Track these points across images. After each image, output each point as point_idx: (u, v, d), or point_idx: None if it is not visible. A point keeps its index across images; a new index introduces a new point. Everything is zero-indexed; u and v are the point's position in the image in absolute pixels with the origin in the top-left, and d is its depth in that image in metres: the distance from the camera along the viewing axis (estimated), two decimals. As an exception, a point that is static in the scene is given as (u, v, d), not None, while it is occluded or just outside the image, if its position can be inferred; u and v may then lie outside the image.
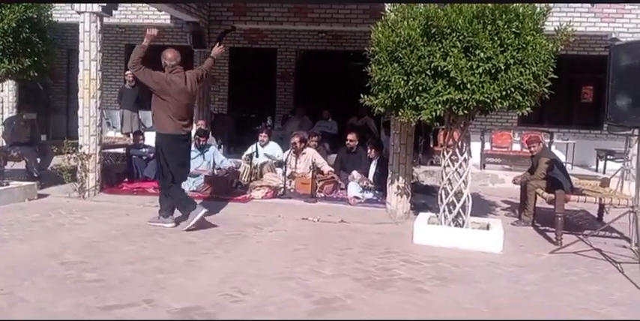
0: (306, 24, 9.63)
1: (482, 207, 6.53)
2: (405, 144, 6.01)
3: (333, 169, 7.45)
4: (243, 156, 8.00)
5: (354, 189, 6.66)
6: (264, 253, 4.53)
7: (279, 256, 4.46)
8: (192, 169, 7.24)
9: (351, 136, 7.61)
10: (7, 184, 6.27)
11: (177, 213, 5.38)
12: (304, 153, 7.41)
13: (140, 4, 9.77)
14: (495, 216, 6.23)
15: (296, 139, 7.38)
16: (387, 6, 5.66)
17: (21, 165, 7.49)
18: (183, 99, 5.35)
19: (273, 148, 8.12)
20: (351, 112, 10.71)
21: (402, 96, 4.74)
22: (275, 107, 12.22)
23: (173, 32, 12.05)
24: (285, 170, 7.07)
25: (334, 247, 4.76)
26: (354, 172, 6.91)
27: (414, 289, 3.75)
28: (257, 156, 7.90)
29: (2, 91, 9.85)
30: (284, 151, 8.08)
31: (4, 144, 7.58)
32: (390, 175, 6.04)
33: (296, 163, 7.38)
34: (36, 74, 6.39)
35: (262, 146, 8.07)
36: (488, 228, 5.07)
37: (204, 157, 7.42)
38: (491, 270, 4.29)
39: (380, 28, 4.97)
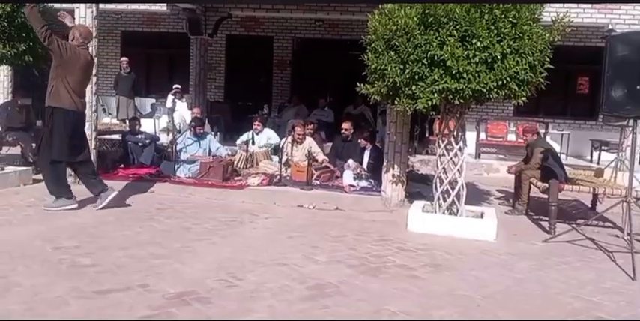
0: (303, 12, 9.58)
1: (476, 196, 6.57)
2: (401, 133, 6.02)
3: (328, 158, 7.46)
4: (238, 142, 8.00)
5: (348, 177, 6.68)
6: (259, 240, 4.55)
7: (274, 242, 4.48)
8: (188, 156, 7.28)
9: (346, 125, 7.61)
10: (3, 169, 6.26)
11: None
12: (301, 141, 7.41)
13: (137, -10, 9.67)
14: (489, 205, 6.27)
15: (298, 129, 7.38)
16: (385, -6, 5.62)
17: (16, 150, 7.47)
18: (87, 76, 5.34)
19: (269, 136, 8.12)
20: (348, 100, 10.70)
21: (398, 84, 4.74)
22: (271, 95, 12.19)
23: (170, 19, 12.00)
24: (281, 158, 7.07)
25: (329, 234, 4.80)
26: (350, 161, 6.92)
27: (407, 275, 3.78)
28: (252, 143, 7.90)
29: (-4, 76, 9.78)
30: (280, 139, 8.09)
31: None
32: (385, 164, 6.05)
33: (292, 150, 7.38)
34: (31, 59, 6.33)
35: (257, 134, 8.07)
36: (482, 216, 5.11)
37: (200, 145, 7.41)
38: (485, 258, 4.33)
39: (377, 17, 4.95)
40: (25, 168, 6.54)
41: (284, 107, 11.27)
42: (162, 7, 10.22)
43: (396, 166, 5.98)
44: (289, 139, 7.44)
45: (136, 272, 3.56)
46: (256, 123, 8.03)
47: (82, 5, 6.61)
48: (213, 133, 8.80)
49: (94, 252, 3.94)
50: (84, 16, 6.66)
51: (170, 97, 10.53)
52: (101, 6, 6.83)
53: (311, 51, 11.97)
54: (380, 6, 5.14)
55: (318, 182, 6.91)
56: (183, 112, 10.43)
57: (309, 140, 7.48)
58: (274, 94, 12.23)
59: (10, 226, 4.56)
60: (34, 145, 7.24)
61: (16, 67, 8.38)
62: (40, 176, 6.61)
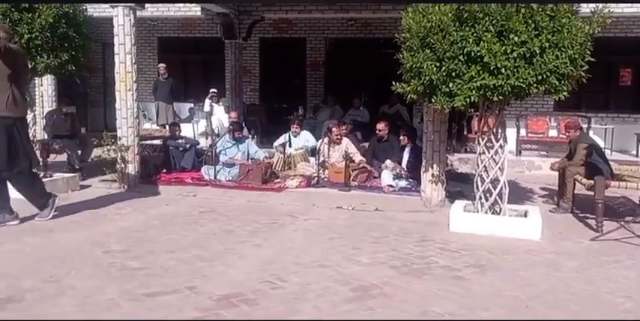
0: (335, 12, 9.57)
1: (519, 194, 6.44)
2: (439, 131, 5.96)
3: (364, 159, 7.45)
4: (275, 145, 8.07)
5: (387, 177, 6.65)
6: (300, 242, 4.59)
7: (315, 244, 4.51)
8: (227, 159, 7.39)
9: (380, 126, 7.56)
10: (51, 176, 6.50)
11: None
12: (339, 142, 7.42)
13: (172, -3, 9.87)
14: (533, 203, 6.14)
15: (335, 130, 7.40)
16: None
17: (62, 157, 7.72)
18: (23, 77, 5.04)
19: (306, 138, 8.17)
20: (383, 99, 10.65)
21: (434, 82, 4.70)
22: (306, 96, 12.23)
23: (204, 24, 12.19)
24: (319, 159, 7.10)
25: (369, 236, 4.79)
26: (388, 161, 6.89)
27: (451, 276, 3.75)
28: (290, 145, 7.96)
29: (42, 85, 10.16)
30: (317, 141, 8.12)
31: (46, 137, 7.82)
32: (424, 163, 6.01)
33: (329, 152, 7.40)
34: (73, 68, 6.52)
35: (295, 136, 8.12)
36: (525, 215, 5.01)
37: (238, 148, 7.51)
38: (530, 258, 4.25)
39: (410, 14, 4.91)
40: (71, 174, 6.77)
41: (319, 108, 11.30)
42: (196, 13, 10.38)
43: (435, 165, 5.92)
44: (326, 140, 7.45)
45: (183, 275, 3.64)
46: (294, 126, 8.08)
47: (120, 13, 6.79)
48: (250, 135, 8.90)
49: (142, 255, 4.05)
50: (122, 23, 6.84)
51: (207, 101, 10.70)
52: (137, 13, 6.98)
53: (344, 51, 11.95)
54: (413, 3, 5.11)
55: (355, 183, 6.91)
56: (220, 115, 10.59)
57: (345, 141, 7.49)
58: (309, 95, 12.27)
59: (60, 231, 4.72)
60: (79, 151, 7.51)
61: (59, 76, 8.67)
62: (86, 182, 6.89)
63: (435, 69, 4.61)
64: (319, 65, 12.19)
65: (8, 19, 5.59)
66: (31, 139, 6.24)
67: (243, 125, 8.90)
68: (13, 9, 5.60)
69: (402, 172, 6.73)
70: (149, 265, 3.83)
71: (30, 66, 5.96)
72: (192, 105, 12.04)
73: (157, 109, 11.25)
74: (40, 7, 5.80)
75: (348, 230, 4.98)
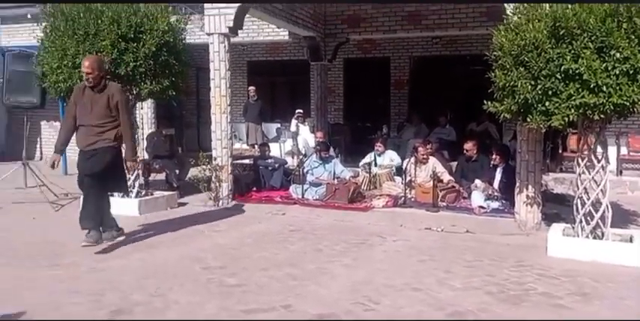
0: (421, 31, 9.58)
1: (622, 217, 6.03)
2: (534, 151, 5.74)
3: (453, 178, 7.31)
4: (361, 164, 8.13)
5: (478, 198, 6.47)
6: (390, 263, 4.57)
7: (405, 266, 4.47)
8: (313, 179, 7.53)
9: (467, 146, 7.39)
10: (152, 194, 6.92)
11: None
12: (425, 161, 7.35)
13: (261, 23, 10.29)
14: (638, 227, 5.73)
15: (421, 150, 7.34)
16: (509, 9, 5.48)
17: (161, 176, 8.22)
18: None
19: (391, 157, 8.16)
20: (470, 117, 10.44)
21: (529, 101, 4.55)
22: (390, 115, 12.24)
23: (290, 47, 12.60)
24: (405, 179, 7.06)
25: (462, 259, 4.68)
26: (477, 181, 6.71)
27: (552, 304, 3.57)
28: (375, 165, 7.98)
29: (142, 108, 10.91)
30: (402, 159, 8.09)
31: (147, 157, 8.36)
32: (517, 184, 5.80)
33: (415, 171, 7.34)
34: (173, 93, 6.93)
35: (379, 155, 8.14)
36: (631, 240, 4.69)
37: (325, 167, 7.64)
38: (637, 286, 3.96)
39: (502, 32, 4.82)
40: (170, 192, 7.18)
41: (403, 127, 11.26)
42: (284, 37, 10.76)
43: (529, 186, 5.70)
44: (412, 159, 7.40)
45: (277, 293, 3.74)
46: (378, 144, 8.11)
47: (216, 40, 7.21)
48: (334, 154, 9.03)
49: (238, 272, 4.21)
50: (217, 50, 7.25)
51: (294, 121, 11.02)
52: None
53: (429, 69, 11.88)
54: (505, 20, 5.02)
55: (444, 203, 6.79)
56: (306, 135, 10.84)
57: (433, 160, 7.40)
58: (392, 114, 12.28)
59: (163, 247, 5.01)
60: (177, 171, 7.96)
61: (158, 100, 9.26)
62: (183, 200, 7.27)
63: (529, 87, 4.48)
64: (403, 84, 12.19)
65: (116, 49, 6.06)
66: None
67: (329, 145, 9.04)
68: (120, 39, 6.07)
69: (494, 192, 6.52)
70: (245, 282, 3.97)
71: (135, 92, 6.45)
72: (279, 125, 12.42)
73: (246, 130, 11.72)
74: (144, 37, 6.24)
75: (438, 253, 4.89)
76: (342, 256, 4.76)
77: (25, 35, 12.90)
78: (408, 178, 7.16)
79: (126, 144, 4.94)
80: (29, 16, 12.49)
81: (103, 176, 4.77)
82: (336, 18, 10.07)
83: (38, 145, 12.74)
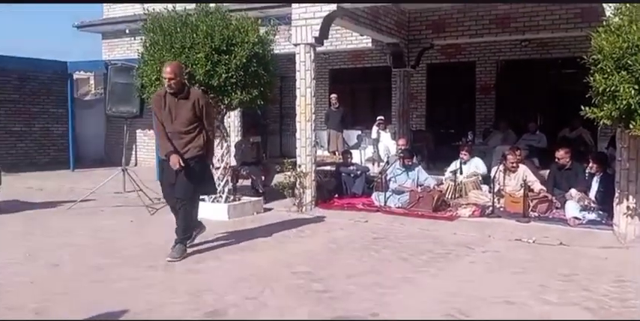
0: (509, 34, 9.27)
1: None
2: (635, 159, 5.38)
3: (544, 188, 6.99)
4: (447, 173, 7.97)
5: (572, 208, 6.14)
6: (480, 275, 4.45)
7: (496, 278, 4.34)
8: (396, 186, 7.48)
9: (559, 154, 7.02)
10: (239, 199, 7.18)
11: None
12: (515, 170, 7.09)
13: (344, 31, 10.41)
14: None
15: (510, 157, 7.09)
16: (609, 10, 5.20)
17: (247, 182, 8.50)
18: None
19: (477, 165, 7.94)
20: (562, 123, 9.96)
21: (633, 107, 4.31)
22: (475, 121, 11.92)
23: (372, 54, 12.62)
24: (494, 187, 6.84)
25: (556, 272, 4.47)
26: (572, 190, 6.37)
27: (660, 324, 3.34)
28: (460, 173, 7.80)
29: (229, 117, 11.35)
30: (488, 167, 7.85)
31: (235, 164, 8.67)
32: (616, 194, 5.46)
33: (504, 179, 7.09)
34: (261, 102, 7.14)
35: (464, 163, 7.95)
36: None
37: (408, 175, 7.56)
38: None
39: (602, 34, 4.58)
40: (257, 198, 7.40)
41: (489, 133, 10.92)
42: (367, 44, 10.80)
43: (630, 197, 5.34)
44: (501, 167, 7.16)
45: (364, 300, 3.75)
46: (463, 152, 7.93)
47: (302, 50, 7.38)
48: (417, 161, 8.92)
49: (325, 278, 4.26)
50: (303, 60, 7.43)
51: (375, 128, 11.02)
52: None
53: (517, 73, 11.47)
54: (604, 22, 4.78)
55: (535, 214, 6.50)
56: (387, 142, 10.81)
57: (523, 168, 7.11)
58: (478, 120, 11.95)
59: (253, 250, 5.18)
60: (263, 177, 8.20)
61: (245, 109, 9.58)
62: (268, 205, 7.46)
63: (633, 92, 4.24)
64: (490, 88, 11.84)
65: (209, 61, 6.34)
66: (225, 165, 7.00)
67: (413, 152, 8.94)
68: (213, 52, 6.36)
69: (591, 203, 6.16)
70: (332, 289, 4.01)
71: (226, 102, 6.72)
72: (360, 132, 12.45)
73: (328, 137, 11.87)
74: (236, 50, 6.50)
75: (531, 265, 4.70)
76: (429, 266, 4.69)
77: (124, 49, 13.87)
78: (497, 187, 6.93)
79: (209, 148, 4.95)
80: (127, 31, 13.42)
81: (193, 189, 4.83)
82: (420, 24, 9.98)
83: (134, 152, 13.58)
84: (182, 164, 4.68)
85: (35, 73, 13.09)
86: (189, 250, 4.95)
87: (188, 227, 4.95)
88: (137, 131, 13.39)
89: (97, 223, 6.44)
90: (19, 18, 33.45)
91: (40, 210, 7.23)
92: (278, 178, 8.16)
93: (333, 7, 7.13)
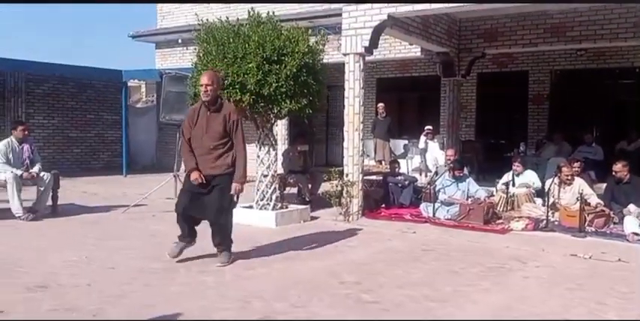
0: (565, 43, 9.01)
1: None
2: (702, 173, 5.12)
3: (602, 202, 6.72)
4: (498, 185, 7.79)
5: (632, 224, 5.89)
6: (533, 290, 4.31)
7: (551, 294, 4.19)
8: (445, 197, 7.36)
9: (617, 167, 6.74)
10: (286, 207, 7.22)
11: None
12: (570, 182, 6.86)
13: (393, 40, 10.37)
14: None
15: (566, 170, 6.87)
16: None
17: (293, 190, 8.55)
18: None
19: (530, 177, 7.72)
20: (619, 135, 9.58)
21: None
22: (527, 132, 11.62)
23: (421, 63, 12.52)
24: (548, 201, 6.63)
25: (615, 290, 4.28)
26: (631, 206, 6.11)
27: None
28: (513, 185, 7.61)
29: (277, 126, 11.47)
30: (542, 179, 7.63)
31: (282, 172, 8.75)
32: (682, 210, 5.19)
33: (559, 193, 6.87)
34: (310, 111, 7.19)
35: (517, 175, 7.74)
36: None
37: (458, 186, 7.42)
38: None
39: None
40: (304, 206, 7.43)
41: (542, 144, 10.62)
42: (416, 53, 10.73)
43: (697, 213, 5.08)
44: (556, 180, 6.93)
45: (414, 312, 3.70)
46: (516, 163, 7.73)
47: (351, 60, 7.40)
48: (467, 173, 8.75)
49: (374, 289, 4.22)
50: (352, 69, 7.45)
51: (422, 138, 10.89)
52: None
53: (572, 83, 11.13)
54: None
55: (592, 228, 6.26)
56: (435, 152, 10.66)
57: (579, 181, 6.88)
58: (530, 131, 11.64)
59: (300, 259, 5.19)
60: (309, 185, 8.24)
61: (292, 118, 9.67)
62: (314, 214, 7.48)
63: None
64: (543, 99, 11.53)
65: (260, 71, 6.44)
66: (272, 173, 7.06)
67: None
68: (265, 62, 6.45)
69: (653, 220, 5.90)
70: (381, 300, 3.96)
71: (275, 111, 6.80)
72: (406, 142, 12.34)
73: (374, 146, 11.81)
74: (286, 59, 6.58)
75: (587, 282, 4.52)
76: (480, 279, 4.57)
77: (176, 58, 14.29)
78: (552, 200, 6.71)
79: (239, 165, 4.71)
80: (180, 41, 13.82)
81: (224, 210, 4.73)
82: (472, 32, 9.85)
83: (183, 159, 13.88)
84: (204, 181, 4.64)
85: (92, 82, 13.66)
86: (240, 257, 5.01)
87: (227, 236, 4.90)
88: (187, 138, 13.68)
89: (149, 227, 6.62)
90: (77, 27, 35.16)
91: (95, 214, 7.49)
92: (324, 187, 8.18)
93: (384, 16, 7.13)
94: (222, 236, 4.89)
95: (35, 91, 12.83)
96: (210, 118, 4.70)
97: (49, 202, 7.36)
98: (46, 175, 7.18)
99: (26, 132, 7.30)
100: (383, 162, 11.21)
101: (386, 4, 7.08)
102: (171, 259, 4.92)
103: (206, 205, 4.75)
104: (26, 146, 7.23)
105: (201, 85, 4.74)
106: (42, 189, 7.17)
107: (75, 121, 13.56)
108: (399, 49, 10.88)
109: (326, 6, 11.81)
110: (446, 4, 6.84)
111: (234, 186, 4.71)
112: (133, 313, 3.60)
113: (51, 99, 13.11)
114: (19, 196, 6.85)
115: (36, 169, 7.14)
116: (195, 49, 7.05)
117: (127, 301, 3.85)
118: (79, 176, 11.50)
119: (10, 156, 7.02)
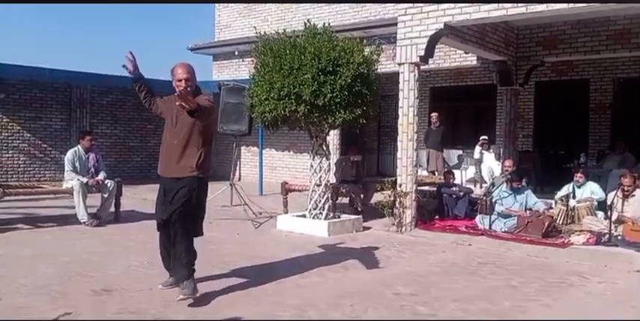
0: (630, 50, 8.66)
1: None
2: None
3: (671, 215, 6.40)
4: (557, 197, 7.53)
5: None
6: (596, 307, 4.15)
7: (615, 311, 4.02)
8: (503, 209, 7.19)
9: None
10: (339, 217, 7.25)
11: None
12: (634, 195, 6.56)
13: (448, 49, 10.27)
14: None
15: (626, 181, 6.59)
16: None
17: (345, 200, 8.56)
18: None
19: (592, 189, 7.43)
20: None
21: None
22: (587, 143, 11.20)
23: (476, 72, 12.32)
24: (611, 214, 6.36)
25: (688, 310, 4.06)
26: None
27: None
28: (574, 197, 7.34)
29: (329, 135, 11.54)
30: (605, 192, 7.32)
31: (335, 181, 8.79)
32: None
33: (623, 205, 6.58)
34: (364, 121, 7.21)
35: (578, 187, 7.47)
36: None
37: (515, 198, 7.24)
38: None
39: None
40: (356, 216, 7.44)
41: (604, 155, 10.19)
42: (472, 62, 10.58)
43: None
44: (619, 192, 6.66)
45: (472, 328, 3.63)
46: (578, 175, 7.46)
47: (406, 69, 7.40)
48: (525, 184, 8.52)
49: (429, 302, 4.17)
50: (407, 79, 7.44)
51: (477, 148, 10.70)
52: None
53: (636, 91, 10.65)
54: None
55: (660, 244, 5.96)
56: (490, 163, 10.44)
57: (642, 193, 6.57)
58: (591, 142, 11.20)
59: (354, 269, 5.19)
60: (362, 195, 8.24)
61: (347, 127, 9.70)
62: (366, 224, 7.46)
63: None
64: (605, 108, 11.09)
65: (316, 82, 6.52)
66: (326, 183, 7.11)
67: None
68: (320, 73, 6.53)
69: None
70: (438, 313, 3.92)
71: (330, 120, 6.85)
72: (460, 152, 12.13)
73: (427, 156, 11.66)
74: (341, 70, 6.64)
75: (656, 300, 4.31)
76: (540, 295, 4.44)
77: (232, 70, 14.67)
78: (615, 214, 6.44)
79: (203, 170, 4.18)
80: (236, 53, 14.18)
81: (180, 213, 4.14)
82: (530, 40, 9.61)
83: (238, 168, 14.19)
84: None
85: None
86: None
87: (188, 261, 4.13)
88: (242, 148, 14.01)
89: (206, 234, 6.70)
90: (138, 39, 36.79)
91: (155, 221, 7.73)
92: (377, 197, 8.16)
93: (440, 25, 7.09)
94: (183, 254, 4.10)
95: (99, 102, 13.47)
96: (181, 110, 3.92)
97: (112, 209, 7.68)
98: (110, 183, 7.51)
99: (92, 142, 7.67)
100: (436, 172, 11.06)
101: (442, 13, 7.03)
102: (227, 265, 5.03)
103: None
104: (92, 155, 7.59)
105: (179, 80, 4.10)
106: (106, 196, 7.50)
107: (136, 131, 14.11)
108: (454, 57, 10.76)
109: (380, 16, 11.87)
110: (505, 11, 6.64)
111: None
112: (193, 317, 3.71)
113: (114, 109, 13.72)
114: (85, 202, 7.19)
115: (101, 176, 7.48)
116: (251, 60, 7.23)
117: (187, 306, 3.96)
118: (140, 184, 11.91)
119: (77, 164, 7.39)
